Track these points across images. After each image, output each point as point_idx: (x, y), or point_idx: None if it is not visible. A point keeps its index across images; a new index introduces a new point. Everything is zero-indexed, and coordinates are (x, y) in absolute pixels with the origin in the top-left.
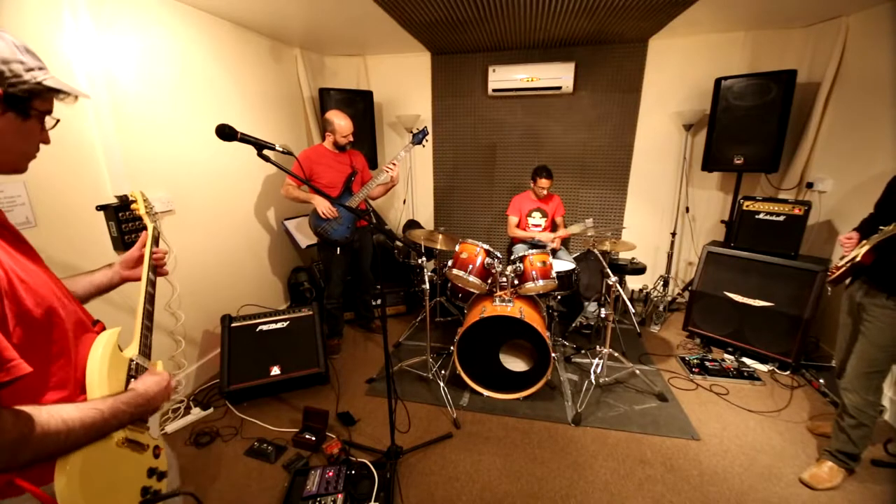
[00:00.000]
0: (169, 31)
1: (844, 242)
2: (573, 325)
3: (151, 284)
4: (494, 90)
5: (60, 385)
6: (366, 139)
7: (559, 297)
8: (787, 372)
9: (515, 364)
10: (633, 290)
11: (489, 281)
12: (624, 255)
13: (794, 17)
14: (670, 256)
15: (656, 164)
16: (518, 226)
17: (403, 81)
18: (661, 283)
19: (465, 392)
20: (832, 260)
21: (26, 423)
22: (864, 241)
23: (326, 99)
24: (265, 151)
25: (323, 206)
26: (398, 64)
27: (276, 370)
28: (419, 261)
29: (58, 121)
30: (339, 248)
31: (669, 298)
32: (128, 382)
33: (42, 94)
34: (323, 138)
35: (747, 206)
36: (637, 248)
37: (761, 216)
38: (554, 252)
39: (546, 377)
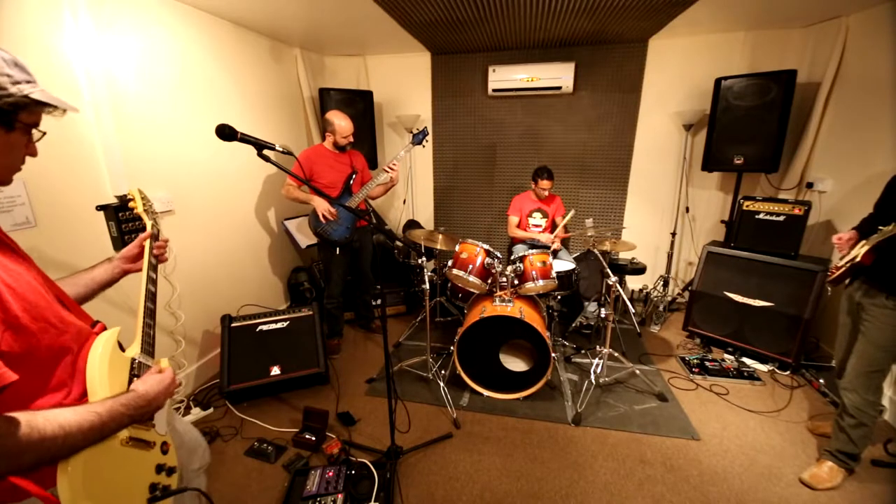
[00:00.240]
0: (169, 31)
1: (836, 241)
2: (573, 325)
3: (152, 282)
4: (494, 90)
5: (58, 388)
6: (366, 139)
7: (559, 297)
8: (787, 372)
9: (515, 364)
10: (633, 290)
11: (489, 281)
12: (624, 255)
13: (794, 17)
14: (670, 256)
15: (656, 164)
16: (518, 226)
17: (403, 81)
18: (661, 283)
19: (465, 392)
20: (832, 260)
21: (21, 428)
22: (864, 242)
23: (326, 99)
24: (265, 151)
25: (322, 208)
26: (398, 64)
27: (276, 370)
28: (419, 261)
29: (43, 133)
30: (338, 249)
31: (669, 298)
32: (130, 382)
33: (29, 106)
34: (323, 138)
35: (747, 206)
36: (637, 248)
37: (761, 216)
38: (554, 252)
39: (546, 377)
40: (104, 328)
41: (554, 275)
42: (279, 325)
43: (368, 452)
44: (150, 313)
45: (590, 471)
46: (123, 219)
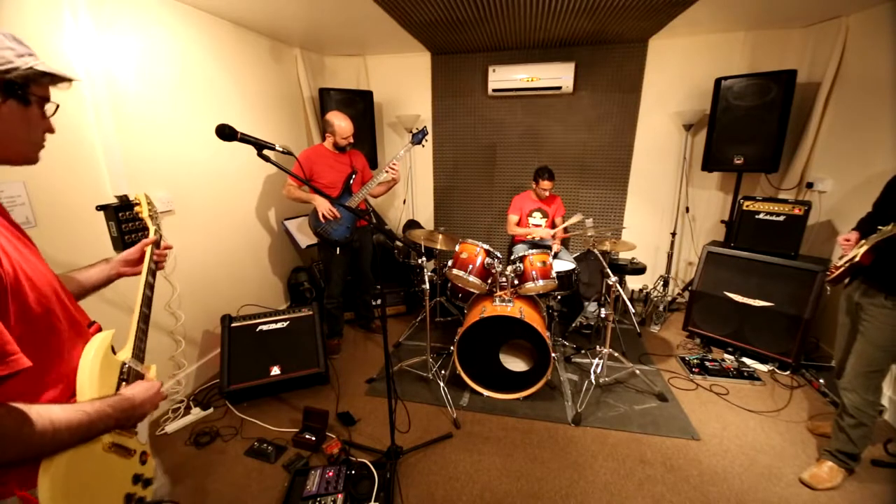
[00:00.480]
0: (169, 31)
1: (843, 243)
2: (573, 325)
3: (150, 287)
4: (494, 90)
5: (53, 384)
6: (366, 139)
7: (559, 297)
8: (787, 372)
9: (515, 364)
10: (633, 290)
11: (489, 281)
12: (624, 255)
13: (794, 17)
14: (670, 256)
15: (656, 164)
16: (518, 225)
17: (403, 81)
18: (661, 283)
19: (465, 392)
20: (832, 260)
21: (17, 418)
22: (863, 241)
23: (326, 99)
24: (265, 151)
25: (324, 208)
26: (398, 64)
27: (276, 370)
28: (419, 261)
29: (57, 106)
30: (338, 248)
31: (669, 298)
32: (119, 386)
33: (37, 79)
34: (323, 138)
35: (747, 206)
36: (637, 248)
37: (761, 216)
38: (555, 253)
39: (546, 377)
40: (99, 329)
41: (554, 275)
42: (279, 325)
43: (368, 452)
44: (145, 319)
45: (590, 471)
46: (123, 219)
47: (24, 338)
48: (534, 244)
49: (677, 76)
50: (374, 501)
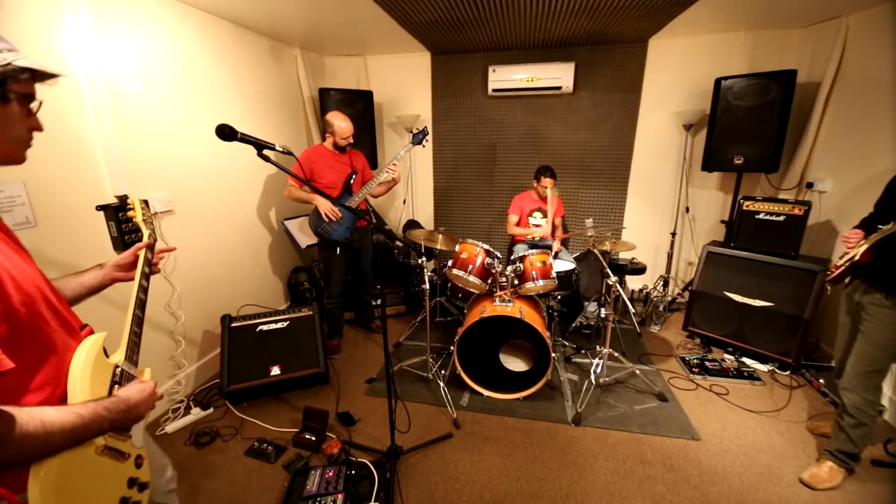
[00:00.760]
0: (169, 31)
1: (846, 240)
2: (573, 325)
3: (143, 291)
4: (494, 90)
5: (41, 387)
6: (366, 139)
7: (559, 297)
8: (787, 372)
9: (515, 364)
10: (633, 290)
11: (489, 281)
12: (624, 255)
13: (794, 17)
14: (670, 256)
15: (656, 164)
16: (518, 225)
17: (403, 81)
18: (661, 283)
19: (465, 392)
20: (832, 260)
21: (6, 422)
22: (863, 241)
23: (326, 99)
24: (265, 151)
25: (325, 208)
26: (398, 64)
27: (276, 370)
28: (419, 261)
29: (41, 102)
30: (339, 248)
31: (669, 298)
32: (111, 389)
33: (15, 76)
34: (323, 138)
35: (747, 206)
36: (637, 248)
37: (761, 216)
38: (555, 253)
39: (546, 377)
40: (91, 332)
41: (554, 275)
42: (279, 325)
43: (368, 452)
44: (139, 321)
45: (590, 471)
46: (123, 219)
47: (8, 338)
48: (534, 244)
49: (677, 76)
50: (374, 501)
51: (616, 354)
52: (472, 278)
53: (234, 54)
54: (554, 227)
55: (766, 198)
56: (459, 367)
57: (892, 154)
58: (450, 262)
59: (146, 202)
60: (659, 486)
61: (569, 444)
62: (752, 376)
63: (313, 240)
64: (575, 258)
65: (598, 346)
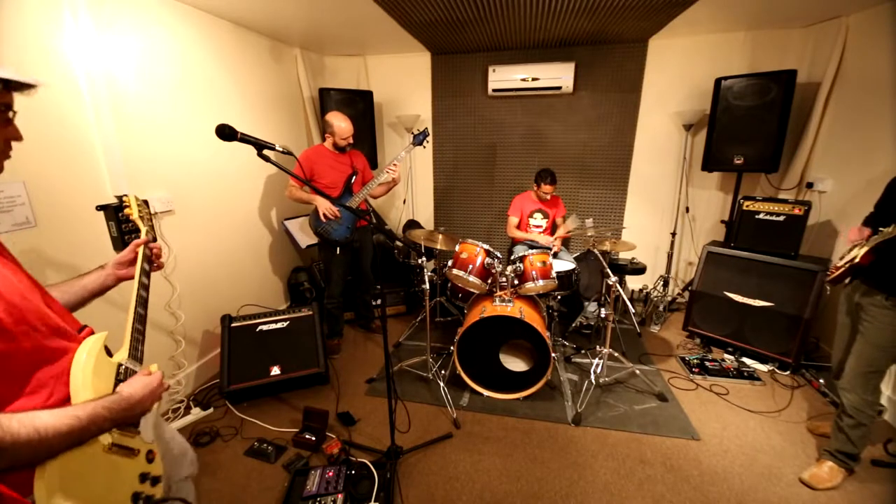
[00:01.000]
0: (169, 31)
1: (852, 235)
2: (573, 325)
3: (144, 288)
4: (494, 90)
5: (35, 391)
6: (366, 139)
7: (559, 297)
8: (787, 372)
9: (515, 364)
10: (633, 290)
11: (489, 281)
12: (624, 255)
13: (794, 17)
14: (670, 256)
15: (656, 164)
16: (518, 226)
17: (403, 81)
18: (661, 283)
19: (465, 392)
20: (832, 260)
21: None
22: (864, 243)
23: (326, 99)
24: (265, 151)
25: (325, 208)
26: (398, 64)
27: (276, 370)
28: (419, 261)
29: (14, 112)
30: (339, 248)
31: (669, 298)
32: (116, 387)
33: None
34: (323, 139)
35: (747, 206)
36: (637, 248)
37: (761, 216)
38: (555, 253)
39: (546, 377)
40: (91, 333)
41: (554, 275)
42: (279, 325)
43: (368, 452)
44: (141, 319)
45: (590, 471)
46: (123, 219)
47: None
48: (533, 245)
49: (677, 76)
50: (374, 501)
51: (616, 354)
52: (472, 278)
53: (234, 54)
54: (555, 228)
55: (766, 198)
56: (459, 367)
57: (893, 154)
58: (450, 262)
59: (146, 202)
60: (659, 486)
61: (569, 444)
62: (752, 376)
63: (313, 240)
64: (575, 258)
65: (598, 346)
